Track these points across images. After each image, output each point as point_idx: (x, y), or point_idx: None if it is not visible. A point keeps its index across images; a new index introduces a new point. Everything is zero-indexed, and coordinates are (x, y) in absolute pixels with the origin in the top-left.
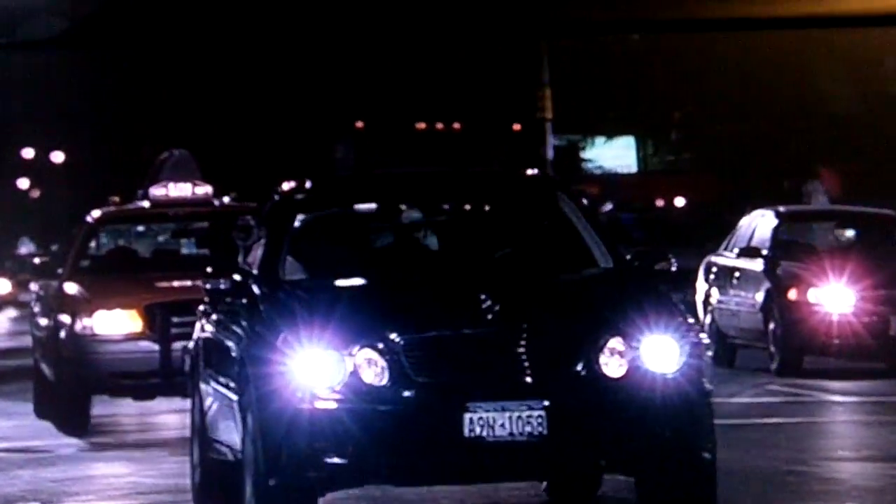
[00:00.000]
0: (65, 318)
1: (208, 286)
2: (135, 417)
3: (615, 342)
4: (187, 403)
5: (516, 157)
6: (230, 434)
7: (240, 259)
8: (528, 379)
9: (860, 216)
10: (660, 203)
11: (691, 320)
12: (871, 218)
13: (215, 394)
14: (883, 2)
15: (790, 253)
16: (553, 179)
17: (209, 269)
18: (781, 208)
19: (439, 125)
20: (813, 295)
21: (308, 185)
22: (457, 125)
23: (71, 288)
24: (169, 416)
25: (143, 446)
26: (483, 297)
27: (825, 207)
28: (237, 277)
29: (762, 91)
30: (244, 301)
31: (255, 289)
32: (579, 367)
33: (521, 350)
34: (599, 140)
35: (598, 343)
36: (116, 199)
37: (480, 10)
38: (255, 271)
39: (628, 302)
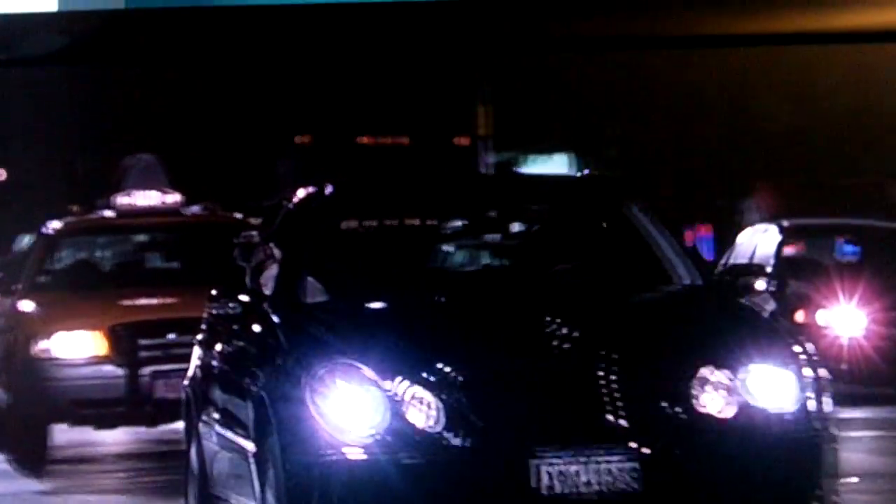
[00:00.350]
0: (21, 340)
1: (214, 311)
2: (64, 434)
3: (718, 375)
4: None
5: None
6: (243, 490)
7: (247, 280)
8: (618, 421)
9: (868, 229)
10: None
11: (808, 345)
12: (881, 232)
13: (221, 440)
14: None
15: (796, 271)
16: (619, 184)
17: (214, 292)
18: (785, 222)
19: (385, 139)
20: (822, 317)
21: (328, 190)
22: (403, 139)
23: (27, 306)
24: (99, 432)
25: (71, 462)
26: (554, 320)
27: (831, 221)
28: (246, 299)
29: (700, 109)
30: (257, 328)
31: (272, 314)
32: (677, 406)
33: (607, 385)
34: (537, 157)
35: (697, 376)
36: (76, 208)
37: (429, 28)
38: (268, 293)
39: (729, 325)
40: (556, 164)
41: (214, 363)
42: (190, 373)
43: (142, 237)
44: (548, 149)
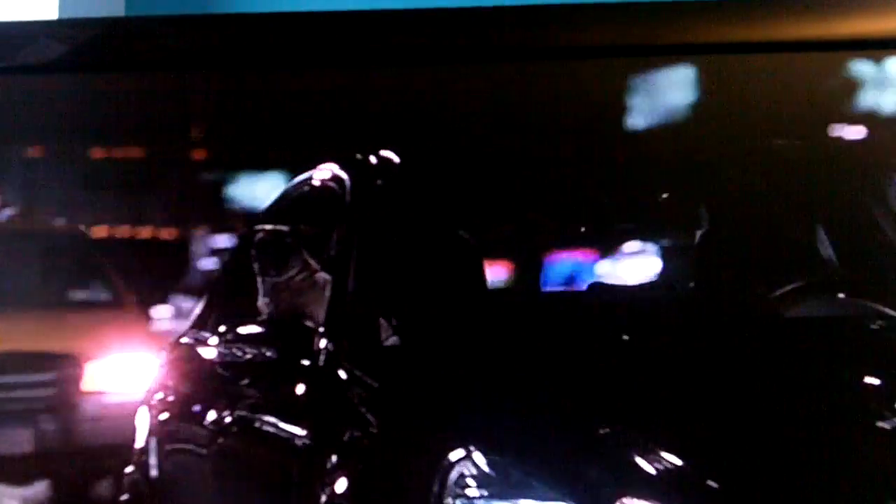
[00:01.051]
0: None
1: (190, 350)
2: None
3: None
4: None
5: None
6: None
7: (261, 303)
8: None
9: None
10: None
11: None
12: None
13: None
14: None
15: None
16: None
17: (197, 316)
18: None
19: (117, 152)
20: None
21: (395, 160)
22: (137, 152)
23: None
24: None
25: None
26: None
27: None
28: (263, 334)
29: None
30: (303, 389)
31: (335, 365)
32: None
33: None
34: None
35: None
36: None
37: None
38: (318, 328)
39: None
40: (272, 183)
41: (197, 442)
42: (135, 455)
43: None
44: (263, 167)
